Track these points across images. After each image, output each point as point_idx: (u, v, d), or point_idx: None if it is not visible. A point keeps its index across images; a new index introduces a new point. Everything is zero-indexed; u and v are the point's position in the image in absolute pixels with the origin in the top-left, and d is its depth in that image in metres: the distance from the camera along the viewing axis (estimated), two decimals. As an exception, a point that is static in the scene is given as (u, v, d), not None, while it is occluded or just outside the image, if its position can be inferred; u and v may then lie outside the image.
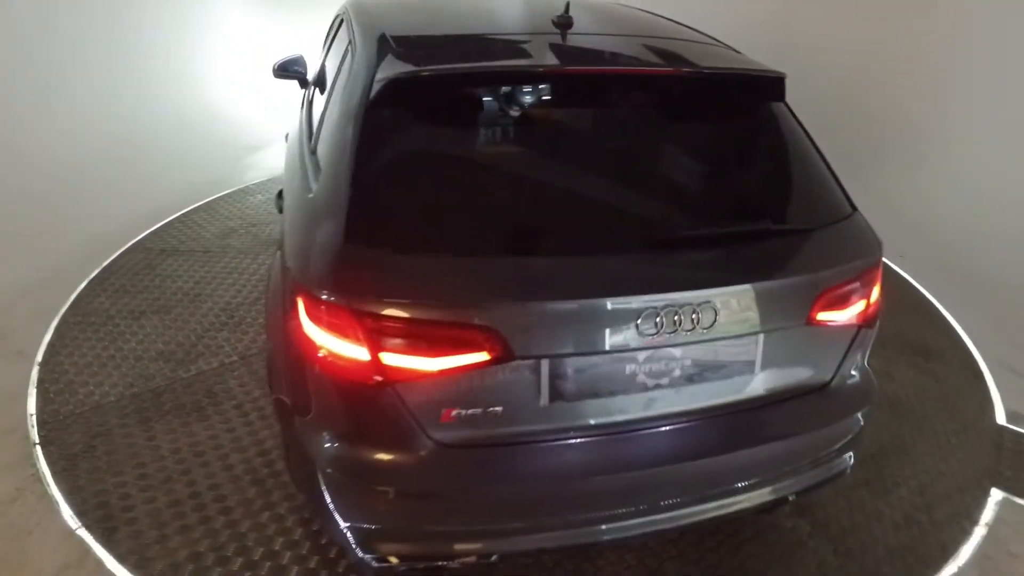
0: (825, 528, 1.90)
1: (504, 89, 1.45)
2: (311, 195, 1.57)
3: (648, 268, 1.41)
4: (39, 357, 2.71)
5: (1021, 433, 2.25)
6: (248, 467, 2.12)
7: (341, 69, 1.92)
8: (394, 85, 1.43)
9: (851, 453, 1.67)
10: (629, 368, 1.40)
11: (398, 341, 1.30)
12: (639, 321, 1.34)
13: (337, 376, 1.36)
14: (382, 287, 1.31)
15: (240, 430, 2.34)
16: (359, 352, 1.31)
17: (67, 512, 1.97)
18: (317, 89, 2.52)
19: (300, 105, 2.85)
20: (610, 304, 1.34)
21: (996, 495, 1.99)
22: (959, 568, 1.75)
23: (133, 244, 3.68)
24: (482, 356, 1.32)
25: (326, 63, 2.58)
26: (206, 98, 6.19)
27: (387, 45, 1.70)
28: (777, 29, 5.01)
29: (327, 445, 1.43)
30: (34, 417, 2.37)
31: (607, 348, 1.36)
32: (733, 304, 1.40)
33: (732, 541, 1.82)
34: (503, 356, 1.32)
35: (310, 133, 2.10)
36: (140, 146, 5.04)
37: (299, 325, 1.39)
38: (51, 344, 2.81)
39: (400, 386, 1.32)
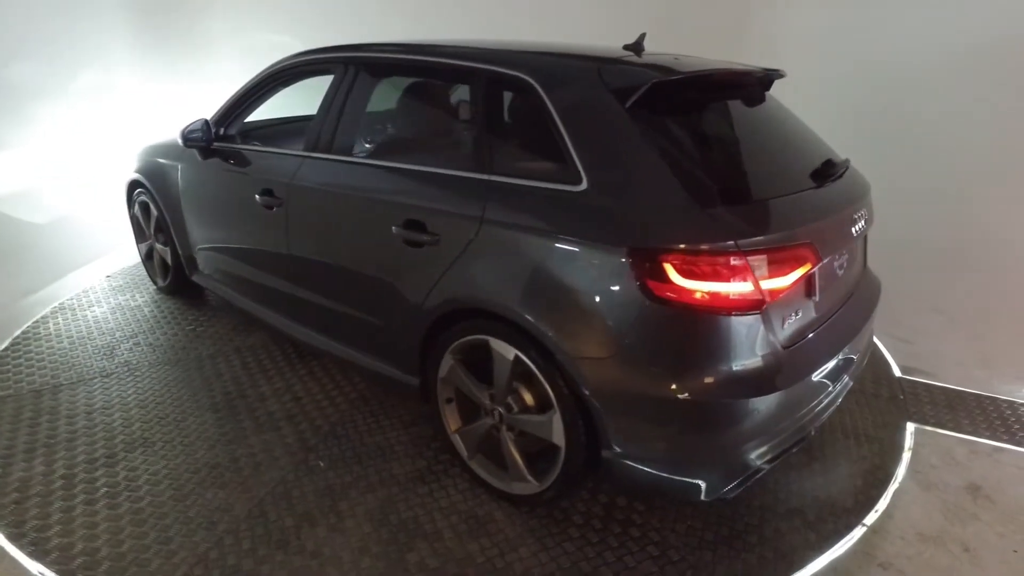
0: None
1: (707, 89, 2.00)
2: (580, 188, 1.77)
3: (830, 192, 2.01)
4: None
5: (916, 381, 2.98)
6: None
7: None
8: (654, 87, 1.79)
9: None
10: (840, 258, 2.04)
11: (766, 269, 1.67)
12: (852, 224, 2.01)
13: (719, 312, 1.64)
14: (744, 229, 1.65)
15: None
16: (743, 287, 1.64)
17: None
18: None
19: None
20: (846, 214, 1.99)
21: (910, 427, 2.62)
22: (901, 478, 2.31)
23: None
24: (807, 265, 1.77)
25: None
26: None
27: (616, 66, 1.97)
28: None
29: (705, 379, 1.66)
30: None
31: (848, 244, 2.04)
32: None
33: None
34: (816, 261, 1.79)
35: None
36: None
37: (658, 290, 1.63)
38: None
39: (769, 305, 1.69)
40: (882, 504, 2.20)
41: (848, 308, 2.13)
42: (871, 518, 2.13)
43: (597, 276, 1.73)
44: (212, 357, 3.05)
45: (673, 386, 1.68)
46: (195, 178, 3.16)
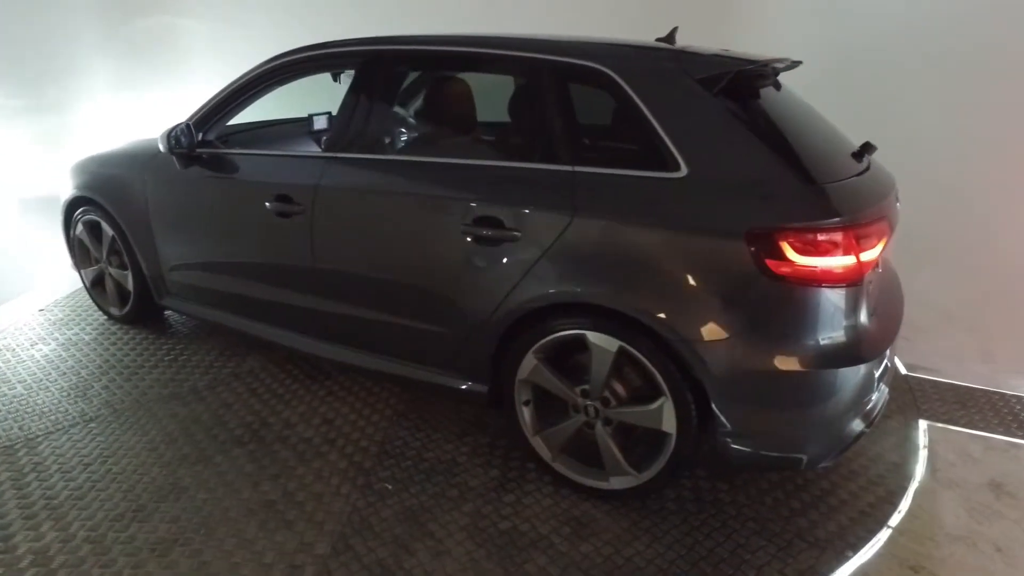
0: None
1: (760, 77, 2.01)
2: (679, 174, 1.78)
3: (875, 173, 2.09)
4: None
5: (922, 378, 2.95)
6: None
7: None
8: (737, 75, 1.84)
9: None
10: None
11: (862, 242, 1.72)
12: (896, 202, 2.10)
13: (830, 285, 1.70)
14: (847, 205, 1.73)
15: None
16: (848, 260, 1.70)
17: None
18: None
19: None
20: (894, 193, 2.08)
21: (923, 424, 2.57)
22: (921, 477, 2.26)
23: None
24: (885, 239, 1.84)
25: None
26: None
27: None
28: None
29: (822, 351, 1.73)
30: None
31: None
32: None
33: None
34: (890, 234, 1.90)
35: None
36: None
37: (776, 268, 1.67)
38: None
39: (866, 277, 1.76)
40: (904, 504, 2.14)
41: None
42: (895, 519, 2.07)
43: (711, 259, 1.75)
44: (211, 387, 2.73)
45: (793, 360, 1.73)
46: (172, 189, 2.82)
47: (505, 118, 2.30)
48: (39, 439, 2.38)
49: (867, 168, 2.06)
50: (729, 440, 1.84)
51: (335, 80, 3.02)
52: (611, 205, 1.87)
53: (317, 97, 3.33)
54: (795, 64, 2.29)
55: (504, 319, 2.03)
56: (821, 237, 1.69)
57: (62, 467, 2.23)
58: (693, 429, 1.86)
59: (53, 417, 2.51)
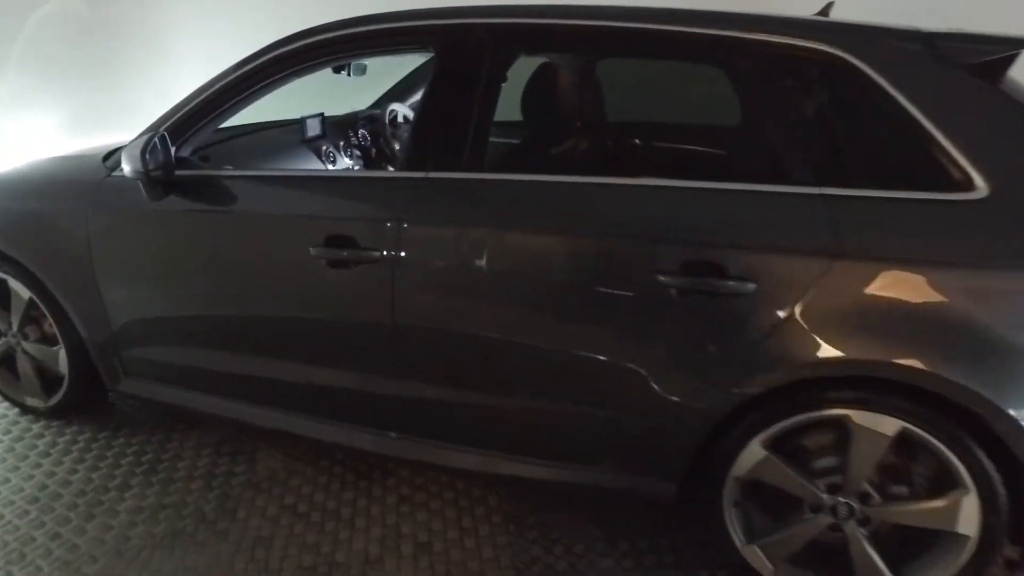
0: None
1: None
2: (976, 195, 1.31)
3: None
4: None
5: None
6: None
7: None
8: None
9: None
10: None
11: None
12: None
13: None
14: None
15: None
16: None
17: None
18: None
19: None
20: None
21: None
22: None
23: None
24: None
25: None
26: None
27: None
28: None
29: None
30: None
31: None
32: None
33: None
34: None
35: None
36: None
37: None
38: None
39: None
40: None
41: None
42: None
43: None
44: (224, 511, 1.91)
45: None
46: (135, 229, 1.96)
47: (688, 119, 1.71)
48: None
49: None
50: None
51: (338, 72, 2.29)
52: (887, 240, 1.37)
53: (298, 95, 2.52)
54: None
55: (729, 400, 1.48)
56: None
57: None
58: (1001, 528, 1.42)
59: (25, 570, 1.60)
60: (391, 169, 2.86)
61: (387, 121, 2.76)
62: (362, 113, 2.97)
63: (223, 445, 2.20)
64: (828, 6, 1.94)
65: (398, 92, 3.03)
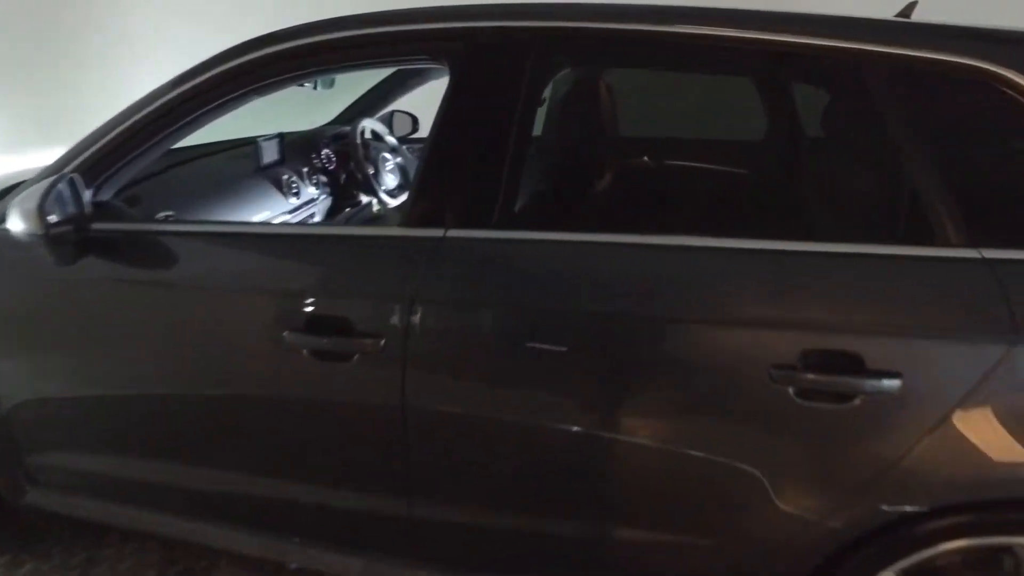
0: None
1: None
2: None
3: None
4: None
5: None
6: None
7: None
8: None
9: None
10: None
11: None
12: None
13: None
14: None
15: None
16: None
17: None
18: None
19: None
20: None
21: None
22: None
23: None
24: None
25: None
26: None
27: None
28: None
29: None
30: None
31: None
32: None
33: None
34: None
35: None
36: None
37: None
38: None
39: None
40: None
41: None
42: None
43: None
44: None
45: None
46: (36, 303, 1.47)
47: (794, 161, 1.34)
48: None
49: None
50: None
51: (303, 85, 1.87)
52: None
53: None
54: None
55: (858, 523, 1.13)
56: None
57: None
58: None
59: None
60: (364, 199, 2.42)
61: (359, 141, 2.31)
62: (327, 131, 2.51)
63: (164, 555, 1.73)
64: (910, 6, 1.62)
65: (366, 105, 2.58)
